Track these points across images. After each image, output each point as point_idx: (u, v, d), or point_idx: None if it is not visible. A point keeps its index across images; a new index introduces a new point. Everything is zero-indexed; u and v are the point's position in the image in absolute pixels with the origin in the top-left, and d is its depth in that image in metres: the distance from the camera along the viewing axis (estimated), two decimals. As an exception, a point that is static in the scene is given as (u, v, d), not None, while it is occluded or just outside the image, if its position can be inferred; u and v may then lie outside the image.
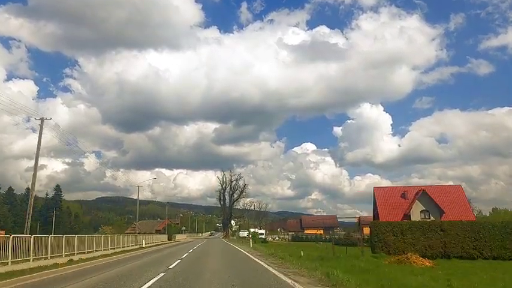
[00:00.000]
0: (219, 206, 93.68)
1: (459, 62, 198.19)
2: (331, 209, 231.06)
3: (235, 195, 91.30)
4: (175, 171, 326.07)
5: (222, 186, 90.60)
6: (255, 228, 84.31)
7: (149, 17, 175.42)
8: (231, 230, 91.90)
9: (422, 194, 46.45)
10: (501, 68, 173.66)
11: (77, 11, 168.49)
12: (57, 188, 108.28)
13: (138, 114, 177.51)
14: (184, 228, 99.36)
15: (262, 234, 77.08)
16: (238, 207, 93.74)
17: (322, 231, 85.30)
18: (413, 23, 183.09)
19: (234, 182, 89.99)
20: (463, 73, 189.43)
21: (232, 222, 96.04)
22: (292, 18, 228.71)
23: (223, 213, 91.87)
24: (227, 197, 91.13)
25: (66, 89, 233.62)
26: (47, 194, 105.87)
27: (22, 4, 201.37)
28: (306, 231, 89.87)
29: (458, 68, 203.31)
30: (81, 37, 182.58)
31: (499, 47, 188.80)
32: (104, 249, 26.89)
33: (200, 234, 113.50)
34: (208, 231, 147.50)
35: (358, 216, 51.29)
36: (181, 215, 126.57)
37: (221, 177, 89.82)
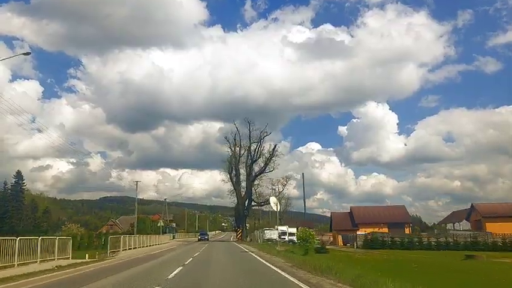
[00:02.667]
0: (227, 196, 61.25)
1: (466, 60, 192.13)
2: (337, 208, 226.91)
3: (257, 167, 58.73)
4: (180, 171, 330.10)
5: (233, 151, 58.54)
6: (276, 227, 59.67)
7: (153, 15, 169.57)
8: (246, 229, 61.11)
9: None
10: (509, 65, 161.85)
11: (79, 9, 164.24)
12: (18, 176, 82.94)
13: (142, 114, 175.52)
14: (175, 225, 75.38)
15: (293, 235, 57.12)
16: (261, 188, 60.79)
17: (386, 229, 60.55)
18: (420, 19, 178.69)
19: (257, 144, 57.85)
20: (470, 71, 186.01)
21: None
22: (297, 16, 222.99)
23: (237, 198, 57.76)
24: (242, 171, 58.68)
25: (71, 90, 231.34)
26: (5, 184, 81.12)
27: (24, 2, 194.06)
28: (361, 230, 64.48)
29: (466, 65, 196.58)
30: (84, 36, 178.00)
31: (507, 44, 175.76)
32: None
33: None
34: (213, 231, 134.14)
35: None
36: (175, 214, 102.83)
37: (232, 137, 59.06)
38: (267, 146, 58.80)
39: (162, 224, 55.44)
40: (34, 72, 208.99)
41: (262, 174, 58.68)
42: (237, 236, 60.48)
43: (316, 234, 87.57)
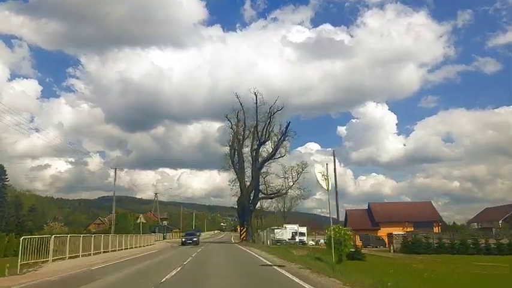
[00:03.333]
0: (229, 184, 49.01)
1: (466, 60, 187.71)
2: (335, 208, 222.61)
3: (265, 151, 47.56)
4: (179, 171, 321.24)
5: (235, 132, 47.66)
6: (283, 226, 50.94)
7: (152, 14, 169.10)
8: (251, 228, 48.81)
9: None
10: (508, 66, 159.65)
11: (78, 8, 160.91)
12: (0, 171, 74.33)
13: (141, 114, 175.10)
14: (166, 223, 66.15)
15: (303, 234, 51.67)
16: (270, 177, 49.40)
17: (411, 228, 52.80)
18: (420, 19, 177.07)
19: (265, 122, 46.57)
20: (469, 71, 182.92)
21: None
22: (297, 16, 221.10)
23: (240, 189, 46.23)
24: (247, 156, 47.68)
25: (70, 89, 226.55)
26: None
27: (23, 1, 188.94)
28: (383, 229, 55.62)
29: (465, 66, 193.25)
30: (83, 35, 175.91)
31: (506, 44, 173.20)
32: None
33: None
34: (212, 231, 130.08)
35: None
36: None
37: (234, 115, 48.26)
38: (276, 127, 47.24)
39: (142, 220, 43.09)
40: (33, 71, 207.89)
41: (271, 160, 47.61)
42: (240, 235, 49.15)
43: (324, 234, 78.10)
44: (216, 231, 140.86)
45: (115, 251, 25.56)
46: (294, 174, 47.44)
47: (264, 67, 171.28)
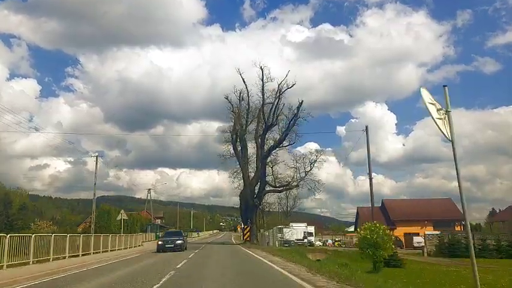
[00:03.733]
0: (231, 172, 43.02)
1: (465, 60, 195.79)
2: (335, 208, 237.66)
3: (271, 138, 40.96)
4: (179, 171, 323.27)
5: (237, 114, 40.79)
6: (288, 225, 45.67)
7: (152, 13, 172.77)
8: (256, 226, 42.09)
9: None
10: (507, 66, 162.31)
11: (77, 7, 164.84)
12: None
13: (140, 113, 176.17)
14: (159, 222, 60.53)
15: (311, 234, 48.19)
16: (278, 169, 43.24)
17: (431, 228, 47.52)
18: (419, 19, 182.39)
19: (272, 105, 39.23)
20: (469, 71, 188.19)
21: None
22: (296, 15, 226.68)
23: (243, 180, 39.58)
24: (250, 139, 41.15)
25: (68, 89, 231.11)
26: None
27: (21, 0, 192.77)
28: (399, 229, 50.15)
29: (465, 66, 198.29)
30: (82, 34, 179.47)
31: (506, 44, 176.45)
32: None
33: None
34: (210, 230, 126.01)
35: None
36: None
37: (235, 96, 41.43)
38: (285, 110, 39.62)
39: (123, 216, 34.56)
40: (32, 70, 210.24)
41: (279, 148, 40.59)
42: (243, 236, 42.03)
43: (331, 234, 72.41)
44: (215, 231, 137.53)
45: (87, 254, 20.27)
46: (306, 163, 40.67)
47: (263, 67, 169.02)
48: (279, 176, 42.65)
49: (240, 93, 41.03)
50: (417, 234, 48.71)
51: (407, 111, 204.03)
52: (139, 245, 33.18)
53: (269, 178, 41.74)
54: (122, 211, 28.46)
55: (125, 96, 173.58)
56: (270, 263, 15.49)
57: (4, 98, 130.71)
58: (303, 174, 40.37)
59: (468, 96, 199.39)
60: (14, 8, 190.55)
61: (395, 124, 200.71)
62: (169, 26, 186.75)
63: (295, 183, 40.82)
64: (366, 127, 28.93)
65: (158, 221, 62.24)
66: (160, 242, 25.69)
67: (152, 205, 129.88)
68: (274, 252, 21.96)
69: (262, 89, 39.57)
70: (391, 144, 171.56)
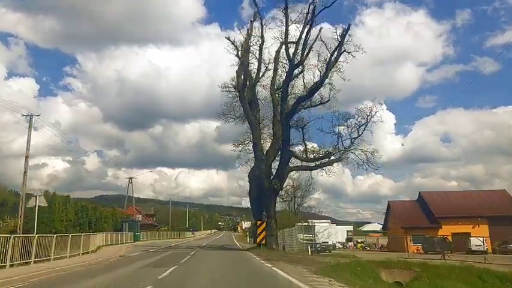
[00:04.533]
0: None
1: (464, 60, 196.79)
2: (334, 208, 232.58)
3: (298, 87, 27.95)
4: (177, 170, 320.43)
5: (244, 52, 27.56)
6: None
7: (150, 12, 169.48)
8: (276, 223, 26.40)
9: None
10: (506, 65, 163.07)
11: (75, 5, 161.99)
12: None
13: (139, 113, 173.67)
14: (140, 218, 49.94)
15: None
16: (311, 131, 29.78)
17: (486, 226, 40.05)
18: (419, 18, 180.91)
19: (300, 33, 26.47)
20: (467, 71, 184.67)
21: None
22: (294, 14, 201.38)
23: (254, 154, 27.05)
24: (266, 98, 29.08)
25: (67, 88, 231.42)
26: None
27: None
28: (444, 228, 40.38)
29: (463, 65, 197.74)
30: (80, 32, 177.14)
31: (505, 44, 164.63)
32: None
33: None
34: (208, 230, 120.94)
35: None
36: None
37: (245, 30, 28.96)
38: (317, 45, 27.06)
39: (38, 202, 23.24)
40: (30, 69, 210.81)
41: (311, 104, 27.47)
42: (254, 236, 28.75)
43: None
44: (213, 230, 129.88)
45: None
46: (353, 126, 27.64)
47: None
48: (313, 145, 29.01)
49: (253, 18, 27.43)
50: (469, 234, 39.03)
51: (406, 111, 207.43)
52: (92, 251, 22.61)
53: (297, 148, 28.18)
54: (37, 193, 17.14)
55: (123, 96, 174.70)
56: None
57: (2, 97, 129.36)
58: (346, 143, 27.31)
59: (467, 96, 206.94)
60: (12, 6, 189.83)
61: (394, 124, 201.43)
62: (167, 25, 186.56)
63: (339, 156, 27.58)
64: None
65: (139, 217, 50.79)
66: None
67: (152, 205, 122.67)
68: (327, 271, 11.41)
69: (286, 19, 27.02)
70: (389, 144, 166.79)
